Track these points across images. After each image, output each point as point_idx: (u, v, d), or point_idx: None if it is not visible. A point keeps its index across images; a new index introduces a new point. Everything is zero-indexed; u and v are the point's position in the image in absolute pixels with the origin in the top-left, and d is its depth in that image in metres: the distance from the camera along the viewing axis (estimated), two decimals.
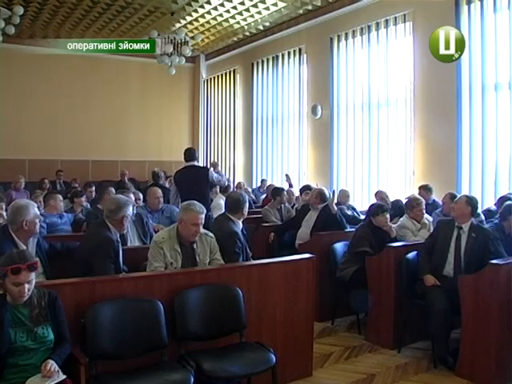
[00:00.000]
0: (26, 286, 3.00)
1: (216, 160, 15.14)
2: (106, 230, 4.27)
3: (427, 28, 8.50)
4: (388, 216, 5.83)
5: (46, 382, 2.85)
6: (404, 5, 9.02)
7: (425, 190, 7.43)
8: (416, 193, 7.31)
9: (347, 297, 5.82)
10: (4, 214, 6.14)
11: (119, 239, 4.40)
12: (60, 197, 6.50)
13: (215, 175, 7.66)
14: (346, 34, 10.41)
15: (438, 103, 8.57)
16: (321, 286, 5.70)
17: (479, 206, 5.50)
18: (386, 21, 9.44)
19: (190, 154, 7.56)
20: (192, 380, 3.34)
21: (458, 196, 5.56)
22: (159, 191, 6.53)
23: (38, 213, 4.29)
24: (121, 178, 12.45)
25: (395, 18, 9.25)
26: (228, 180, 12.39)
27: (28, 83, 13.27)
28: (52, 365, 2.90)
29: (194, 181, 7.19)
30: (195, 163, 7.65)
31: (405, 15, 9.06)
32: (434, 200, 7.33)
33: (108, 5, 10.85)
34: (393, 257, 5.19)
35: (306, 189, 8.17)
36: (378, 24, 9.64)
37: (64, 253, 4.57)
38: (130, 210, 4.46)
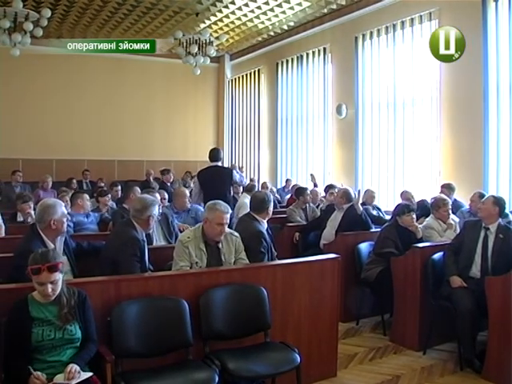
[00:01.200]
0: (50, 286, 3.05)
1: (240, 160, 15.21)
2: (132, 229, 4.32)
3: (453, 26, 8.42)
4: (414, 216, 5.79)
5: (74, 379, 2.91)
6: (429, 3, 8.92)
7: (448, 189, 7.33)
8: (448, 190, 7.25)
9: (372, 297, 5.81)
10: (32, 213, 6.28)
11: (145, 238, 4.44)
12: (87, 196, 6.58)
13: (238, 176, 7.84)
14: (371, 33, 10.34)
15: (464, 102, 8.46)
16: (346, 287, 5.68)
17: (507, 206, 5.41)
18: (412, 19, 9.34)
19: (216, 154, 7.66)
20: (216, 379, 3.36)
21: (486, 196, 5.49)
22: (187, 192, 6.58)
23: (66, 212, 4.34)
24: (146, 177, 12.54)
25: (420, 16, 9.15)
26: (252, 180, 12.45)
27: (55, 84, 13.45)
28: (72, 368, 2.96)
29: (218, 180, 7.31)
30: (219, 163, 7.74)
31: (430, 13, 8.95)
32: (455, 199, 7.24)
33: (133, 6, 10.93)
34: (419, 257, 5.15)
35: (329, 188, 8.15)
36: (403, 23, 9.55)
37: (90, 252, 4.63)
38: (156, 210, 4.50)
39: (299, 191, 8.11)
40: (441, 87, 8.85)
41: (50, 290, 3.05)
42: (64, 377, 2.93)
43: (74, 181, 11.33)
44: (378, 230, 6.14)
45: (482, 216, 5.04)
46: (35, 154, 13.05)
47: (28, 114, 13.19)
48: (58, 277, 3.09)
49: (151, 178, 12.27)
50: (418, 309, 5.15)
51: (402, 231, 5.70)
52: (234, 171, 8.04)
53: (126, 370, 3.36)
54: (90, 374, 3.03)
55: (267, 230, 4.92)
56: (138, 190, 6.73)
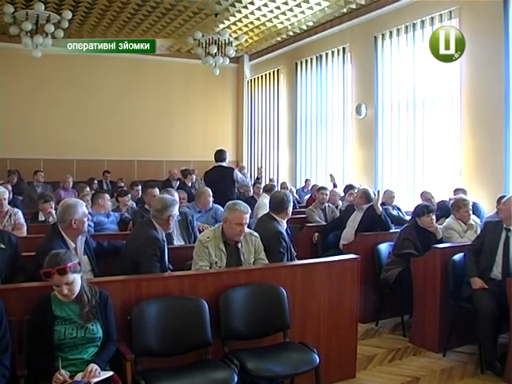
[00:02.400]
0: (65, 287, 3.09)
1: (260, 160, 15.22)
2: (152, 228, 4.34)
3: (474, 25, 8.35)
4: (434, 217, 5.74)
5: (95, 378, 2.94)
6: (449, 2, 8.84)
7: (461, 193, 7.29)
8: (461, 194, 7.18)
9: (392, 298, 5.78)
10: (53, 212, 6.35)
11: (165, 238, 4.47)
12: (108, 196, 6.63)
13: (240, 175, 8.22)
14: (391, 33, 10.28)
15: (485, 102, 8.37)
16: (365, 287, 5.66)
17: None
18: (432, 18, 9.26)
19: (221, 155, 8.16)
20: (236, 379, 3.36)
21: (506, 197, 5.43)
22: (210, 191, 6.60)
23: (87, 211, 4.38)
24: (169, 177, 12.64)
25: (441, 15, 9.07)
26: (272, 180, 12.42)
27: (75, 85, 13.59)
28: (93, 368, 2.99)
29: (221, 179, 7.78)
30: (223, 164, 8.13)
31: (450, 12, 8.87)
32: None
33: (153, 7, 11.01)
34: (439, 258, 5.10)
35: (349, 188, 8.13)
36: (423, 22, 9.47)
37: (111, 251, 4.66)
38: (176, 210, 4.52)
39: (317, 190, 8.17)
40: (461, 87, 8.78)
41: (65, 291, 3.09)
42: (84, 375, 2.96)
43: (96, 181, 11.44)
44: (398, 230, 6.10)
45: (503, 217, 4.99)
46: (56, 155, 13.22)
47: (49, 115, 13.35)
48: (72, 277, 3.11)
49: (174, 178, 12.34)
50: (438, 310, 5.11)
51: (422, 232, 5.65)
52: (236, 170, 8.35)
53: (145, 369, 3.38)
54: (111, 373, 3.06)
55: (286, 230, 4.92)
56: (155, 191, 6.73)
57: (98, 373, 2.99)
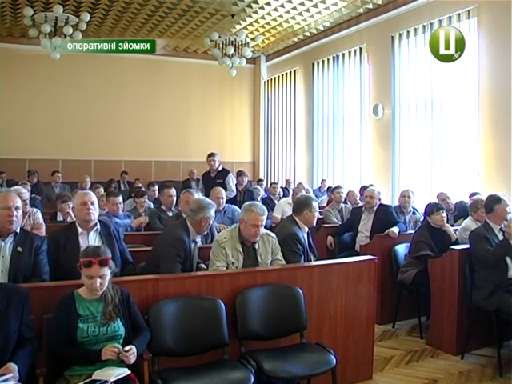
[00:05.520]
0: (98, 280, 3.12)
1: (277, 160, 15.24)
2: (182, 230, 4.35)
3: (492, 24, 8.29)
4: (444, 214, 5.70)
5: (112, 376, 2.94)
6: (467, 0, 8.77)
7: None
8: (479, 195, 7.11)
9: (409, 299, 5.75)
10: (71, 212, 6.40)
11: (197, 240, 4.49)
12: (120, 198, 6.59)
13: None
14: (408, 33, 10.23)
15: (504, 101, 8.27)
16: (382, 289, 5.64)
17: None
18: (449, 18, 9.19)
19: None
20: (252, 379, 3.37)
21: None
22: (222, 191, 6.60)
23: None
24: (189, 177, 12.70)
25: (459, 14, 9.00)
26: (288, 181, 12.39)
27: (93, 87, 13.70)
28: (131, 349, 3.03)
29: None
30: None
31: (469, 11, 8.80)
32: None
33: (170, 9, 11.06)
34: (456, 259, 5.06)
35: (364, 189, 8.07)
36: (440, 21, 9.40)
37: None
38: (212, 213, 4.48)
39: (332, 190, 8.19)
40: (479, 87, 8.70)
41: (98, 284, 3.12)
42: (121, 352, 3.00)
43: (114, 184, 11.52)
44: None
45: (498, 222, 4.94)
46: (74, 155, 13.35)
47: (67, 116, 13.48)
48: (107, 272, 3.17)
49: (194, 178, 12.39)
50: (455, 312, 5.07)
51: (435, 232, 5.63)
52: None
53: (162, 368, 3.40)
54: (128, 371, 3.07)
55: (308, 234, 4.91)
56: (172, 190, 6.76)
57: (134, 355, 3.02)
